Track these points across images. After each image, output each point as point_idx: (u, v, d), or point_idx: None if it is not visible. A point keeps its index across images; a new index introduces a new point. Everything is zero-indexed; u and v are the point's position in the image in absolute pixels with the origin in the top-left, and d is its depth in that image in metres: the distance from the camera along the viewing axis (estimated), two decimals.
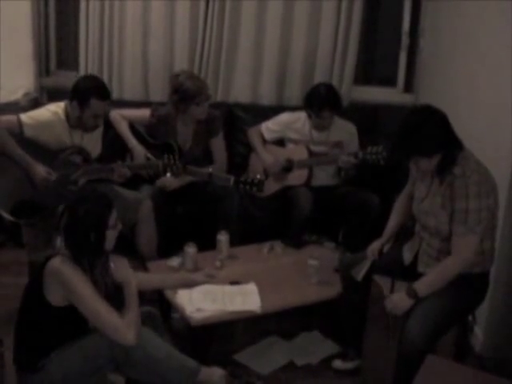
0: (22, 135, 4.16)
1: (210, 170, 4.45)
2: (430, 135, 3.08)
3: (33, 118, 4.23)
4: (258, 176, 4.39)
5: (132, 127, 4.82)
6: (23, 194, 4.14)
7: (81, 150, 4.33)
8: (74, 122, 4.30)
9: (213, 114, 4.89)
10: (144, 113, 4.89)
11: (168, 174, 4.36)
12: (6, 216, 4.10)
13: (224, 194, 4.58)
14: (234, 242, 4.35)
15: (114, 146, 4.69)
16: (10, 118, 4.21)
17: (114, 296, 3.06)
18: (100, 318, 2.95)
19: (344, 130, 4.92)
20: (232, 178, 4.37)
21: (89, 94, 4.20)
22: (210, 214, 4.67)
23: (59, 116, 4.29)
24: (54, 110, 4.32)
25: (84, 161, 4.34)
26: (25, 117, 4.22)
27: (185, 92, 4.64)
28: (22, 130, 4.17)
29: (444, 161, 3.13)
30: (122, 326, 2.94)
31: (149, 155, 4.60)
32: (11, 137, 4.11)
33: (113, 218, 3.06)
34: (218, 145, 4.93)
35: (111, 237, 3.08)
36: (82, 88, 4.28)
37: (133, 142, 4.72)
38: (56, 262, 2.94)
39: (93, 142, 4.46)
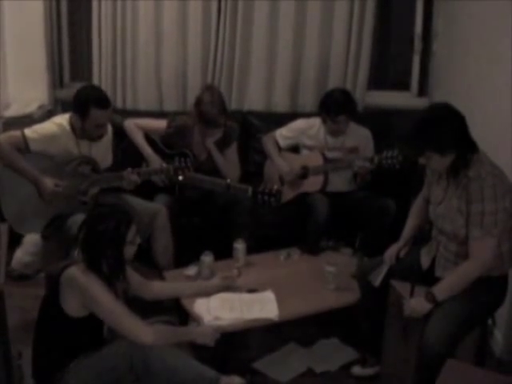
0: (29, 150, 4.14)
1: (228, 180, 4.44)
2: (445, 131, 3.07)
3: (38, 133, 4.20)
4: (276, 187, 4.37)
5: (147, 136, 4.82)
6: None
7: (89, 160, 4.31)
8: (80, 133, 4.28)
9: (230, 126, 4.89)
10: (160, 124, 4.88)
11: (180, 178, 4.33)
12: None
13: (237, 202, 4.58)
14: (248, 249, 4.34)
15: (127, 156, 4.69)
16: (14, 133, 4.19)
17: (129, 305, 3.07)
18: (119, 320, 2.97)
19: (359, 136, 4.91)
20: (250, 189, 4.35)
21: (87, 103, 4.17)
22: (225, 222, 4.66)
23: (64, 128, 4.26)
24: (59, 121, 4.29)
25: (92, 170, 4.32)
26: (29, 131, 4.18)
27: (202, 114, 4.66)
28: (27, 145, 4.13)
29: (457, 162, 3.12)
30: (140, 326, 2.97)
31: (164, 164, 4.60)
32: (17, 152, 4.11)
33: (131, 234, 3.07)
34: (232, 155, 4.92)
35: (129, 252, 3.10)
36: (80, 98, 4.26)
37: (148, 151, 4.72)
38: (71, 271, 2.96)
39: (102, 153, 4.44)
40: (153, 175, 4.46)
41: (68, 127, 4.28)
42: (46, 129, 4.26)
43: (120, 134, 4.66)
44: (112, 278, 3.05)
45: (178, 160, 4.34)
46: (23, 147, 4.13)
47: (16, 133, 4.19)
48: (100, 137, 4.37)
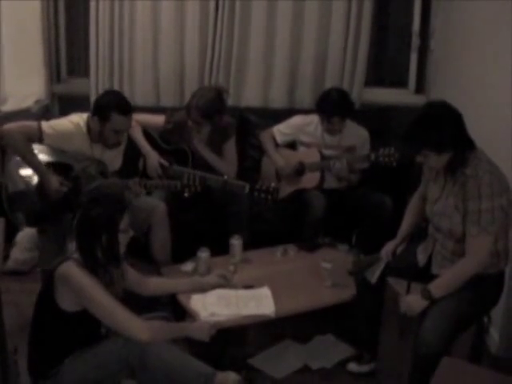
0: (42, 144, 4.12)
1: (225, 177, 4.43)
2: (442, 130, 3.07)
3: (54, 129, 4.15)
4: (273, 184, 4.35)
5: (145, 132, 4.81)
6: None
7: (99, 163, 4.28)
8: (96, 137, 4.24)
9: (227, 121, 4.88)
10: (158, 119, 4.88)
11: (186, 194, 4.31)
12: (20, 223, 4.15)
13: (234, 198, 4.58)
14: (246, 246, 4.34)
15: (133, 161, 4.67)
16: (30, 124, 4.15)
17: (125, 301, 3.07)
18: (113, 317, 2.97)
19: (356, 135, 4.91)
20: (247, 186, 4.34)
21: (109, 108, 4.14)
22: (222, 218, 4.66)
23: (81, 128, 4.22)
24: (77, 121, 4.25)
25: (101, 173, 4.30)
26: (46, 125, 4.14)
27: (188, 111, 4.69)
28: (41, 138, 4.10)
29: (454, 160, 3.12)
30: (136, 323, 2.96)
31: (162, 161, 4.59)
32: (29, 143, 4.10)
33: (124, 222, 3.07)
34: (229, 150, 4.91)
35: (122, 240, 3.09)
36: (102, 103, 4.23)
37: (146, 147, 4.71)
38: (65, 267, 2.95)
39: (113, 158, 4.41)
40: (159, 188, 4.44)
41: (84, 129, 4.24)
42: (62, 126, 4.22)
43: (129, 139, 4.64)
44: (107, 264, 3.05)
45: (187, 177, 4.31)
46: (36, 140, 4.10)
47: (32, 124, 4.15)
48: (116, 145, 4.33)
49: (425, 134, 3.09)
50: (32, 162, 4.09)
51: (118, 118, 4.16)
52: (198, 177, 4.31)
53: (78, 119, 4.26)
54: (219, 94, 4.76)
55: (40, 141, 4.10)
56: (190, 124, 4.72)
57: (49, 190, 4.09)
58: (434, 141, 3.09)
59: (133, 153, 4.65)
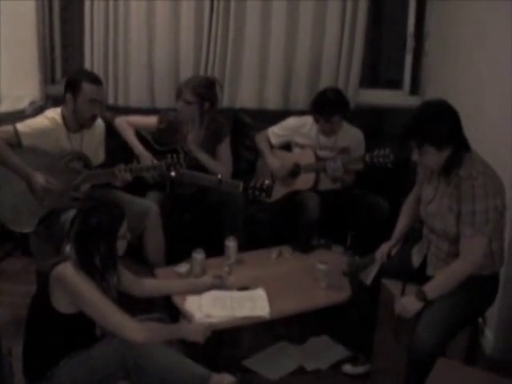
0: (20, 145, 4.11)
1: (220, 176, 4.44)
2: (444, 126, 3.07)
3: (30, 127, 4.17)
4: (267, 182, 4.36)
5: (138, 134, 4.81)
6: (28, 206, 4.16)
7: (81, 156, 4.29)
8: (72, 123, 4.26)
9: (220, 120, 4.89)
10: (151, 120, 4.88)
11: (172, 174, 4.30)
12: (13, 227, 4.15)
13: (229, 199, 4.56)
14: (241, 247, 4.33)
15: (118, 154, 4.66)
16: (6, 128, 4.14)
17: (120, 303, 3.07)
18: (108, 318, 2.97)
19: (351, 136, 4.90)
20: (241, 184, 4.35)
21: (79, 79, 4.20)
22: (217, 219, 4.65)
23: (56, 121, 4.24)
24: (51, 116, 4.27)
25: (84, 166, 4.31)
26: (21, 126, 4.16)
27: (179, 93, 4.73)
28: (19, 139, 4.10)
29: (451, 160, 3.12)
30: (131, 324, 2.96)
31: (155, 161, 4.58)
32: (9, 147, 4.09)
33: (123, 228, 3.07)
34: (224, 151, 4.90)
35: (120, 246, 3.09)
36: (72, 77, 4.31)
37: (139, 148, 4.71)
38: (61, 268, 2.95)
39: (93, 147, 4.43)
40: (144, 172, 4.42)
41: (60, 120, 4.26)
42: (37, 123, 4.24)
43: (111, 132, 4.65)
44: (105, 271, 3.05)
45: (171, 156, 4.30)
46: (15, 142, 4.10)
47: (8, 128, 4.15)
48: (91, 121, 4.33)
49: (426, 128, 3.08)
50: (14, 166, 4.08)
51: (89, 86, 4.20)
52: (182, 154, 4.31)
53: (53, 113, 4.30)
54: (212, 83, 4.83)
55: (19, 143, 4.11)
56: (178, 107, 4.72)
57: (36, 189, 4.08)
58: (436, 135, 3.08)
59: (117, 148, 4.67)
